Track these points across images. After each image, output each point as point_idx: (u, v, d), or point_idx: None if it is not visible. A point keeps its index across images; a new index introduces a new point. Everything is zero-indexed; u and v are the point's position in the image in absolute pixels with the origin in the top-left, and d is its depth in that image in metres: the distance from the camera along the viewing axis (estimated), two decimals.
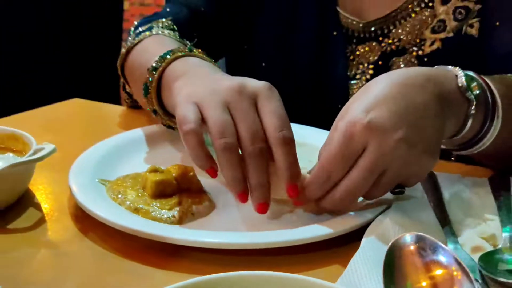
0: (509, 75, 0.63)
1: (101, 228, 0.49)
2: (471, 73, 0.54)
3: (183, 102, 0.52)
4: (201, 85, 0.54)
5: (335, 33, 0.83)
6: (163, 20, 0.82)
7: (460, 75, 0.53)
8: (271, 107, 0.50)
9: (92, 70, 1.70)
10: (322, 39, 0.84)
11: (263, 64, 0.88)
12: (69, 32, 1.69)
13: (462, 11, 0.77)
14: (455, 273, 0.33)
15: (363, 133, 0.46)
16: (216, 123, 0.48)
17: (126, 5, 3.86)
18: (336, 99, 0.83)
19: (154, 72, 0.63)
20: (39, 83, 1.51)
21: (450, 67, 0.55)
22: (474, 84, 0.53)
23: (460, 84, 0.52)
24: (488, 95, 0.54)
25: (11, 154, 0.59)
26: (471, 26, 0.77)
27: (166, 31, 0.77)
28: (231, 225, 0.52)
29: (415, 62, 0.79)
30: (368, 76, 0.82)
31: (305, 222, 0.51)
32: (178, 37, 0.77)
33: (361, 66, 0.83)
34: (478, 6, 0.77)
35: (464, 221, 0.50)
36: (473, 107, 0.52)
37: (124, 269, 0.46)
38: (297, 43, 0.86)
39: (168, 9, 0.86)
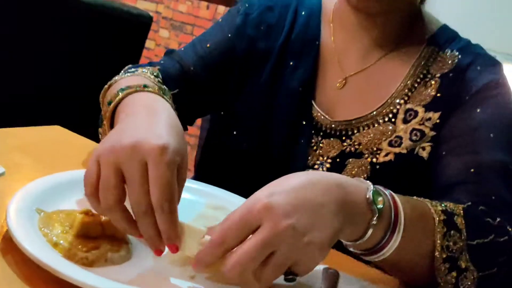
0: (427, 200, 0.67)
1: (19, 254, 0.54)
2: (381, 188, 0.60)
3: (92, 158, 0.56)
4: (115, 134, 0.58)
5: (304, 122, 0.90)
6: (153, 67, 0.89)
7: (370, 188, 0.58)
8: (156, 176, 0.53)
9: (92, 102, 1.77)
10: (292, 125, 0.90)
11: (234, 133, 0.94)
12: (82, 62, 1.77)
13: (418, 133, 0.84)
14: None
15: (261, 211, 0.52)
16: (103, 188, 0.54)
17: (151, 45, 4.04)
18: None
19: (108, 105, 0.70)
20: (34, 103, 1.58)
21: (364, 180, 0.60)
22: (380, 198, 0.58)
23: (367, 196, 0.58)
24: (392, 211, 0.59)
25: None
26: (423, 148, 0.83)
27: (149, 74, 0.83)
28: (135, 278, 0.56)
29: (368, 167, 0.85)
30: (325, 169, 0.88)
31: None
32: (158, 81, 0.81)
33: (321, 158, 0.88)
34: (433, 133, 0.83)
35: None
36: (375, 218, 0.57)
37: None
38: (270, 123, 0.92)
39: (162, 61, 0.95)
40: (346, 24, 0.92)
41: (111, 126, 0.73)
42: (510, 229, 0.68)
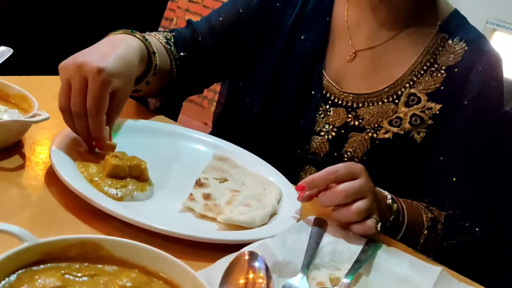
0: (423, 206, 0.87)
1: (61, 186, 0.65)
2: (393, 197, 0.79)
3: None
4: (79, 53, 0.75)
5: (313, 92, 0.97)
6: (168, 33, 1.00)
7: (388, 198, 0.77)
8: (91, 89, 0.70)
9: None
10: (301, 94, 0.98)
11: (247, 100, 1.02)
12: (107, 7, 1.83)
13: (418, 119, 0.92)
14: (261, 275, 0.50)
15: (361, 170, 0.72)
16: (60, 98, 0.72)
17: None
18: (297, 146, 0.98)
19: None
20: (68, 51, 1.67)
21: (384, 192, 0.78)
22: (395, 205, 0.78)
23: (388, 202, 0.77)
24: (400, 212, 0.79)
25: (16, 111, 0.75)
26: (418, 133, 0.91)
27: (161, 36, 0.96)
28: (155, 214, 0.67)
29: (369, 142, 0.93)
30: (330, 137, 0.95)
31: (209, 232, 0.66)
32: (164, 42, 0.96)
33: (327, 126, 0.96)
34: (431, 122, 0.91)
35: (327, 263, 0.65)
36: (391, 218, 0.78)
37: (59, 215, 0.61)
38: (280, 91, 0.99)
39: (180, 28, 1.05)
40: (359, 2, 0.97)
41: None
42: (477, 229, 0.87)
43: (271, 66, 1.00)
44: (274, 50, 1.00)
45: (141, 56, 0.83)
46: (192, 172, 0.79)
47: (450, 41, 0.94)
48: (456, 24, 0.95)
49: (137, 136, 0.84)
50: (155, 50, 0.88)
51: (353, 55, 0.97)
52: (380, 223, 0.71)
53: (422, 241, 0.83)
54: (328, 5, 1.00)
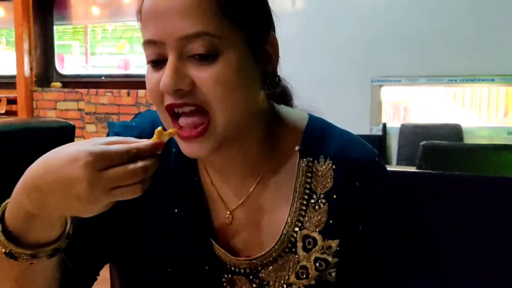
0: None
1: None
2: None
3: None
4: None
5: (207, 267, 0.83)
6: None
7: None
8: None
9: None
10: (197, 275, 0.84)
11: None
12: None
13: (322, 263, 0.81)
14: None
15: None
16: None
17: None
18: None
19: None
20: None
21: None
22: None
23: None
24: None
25: None
26: (330, 274, 0.82)
27: None
28: None
29: None
30: None
31: None
32: None
33: None
34: (336, 259, 0.81)
35: None
36: None
37: None
38: (176, 279, 0.84)
39: None
40: (208, 160, 0.84)
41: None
42: None
43: (151, 256, 0.84)
44: (151, 232, 0.85)
45: None
46: None
47: (317, 163, 0.83)
48: (314, 141, 0.83)
49: None
50: None
51: (230, 216, 0.85)
52: None
53: None
54: (190, 163, 0.86)
